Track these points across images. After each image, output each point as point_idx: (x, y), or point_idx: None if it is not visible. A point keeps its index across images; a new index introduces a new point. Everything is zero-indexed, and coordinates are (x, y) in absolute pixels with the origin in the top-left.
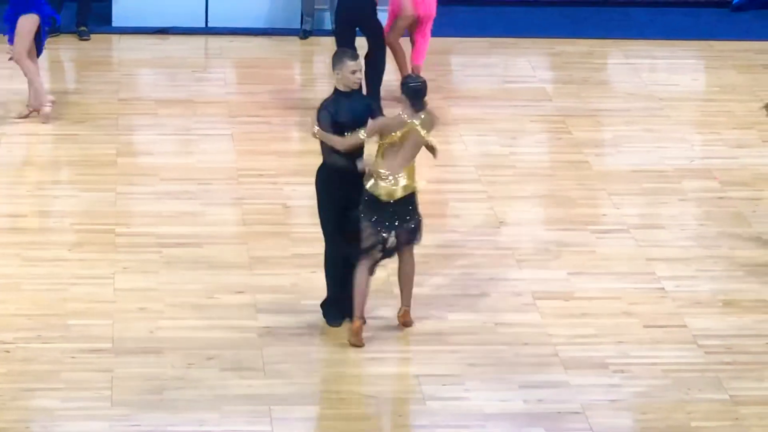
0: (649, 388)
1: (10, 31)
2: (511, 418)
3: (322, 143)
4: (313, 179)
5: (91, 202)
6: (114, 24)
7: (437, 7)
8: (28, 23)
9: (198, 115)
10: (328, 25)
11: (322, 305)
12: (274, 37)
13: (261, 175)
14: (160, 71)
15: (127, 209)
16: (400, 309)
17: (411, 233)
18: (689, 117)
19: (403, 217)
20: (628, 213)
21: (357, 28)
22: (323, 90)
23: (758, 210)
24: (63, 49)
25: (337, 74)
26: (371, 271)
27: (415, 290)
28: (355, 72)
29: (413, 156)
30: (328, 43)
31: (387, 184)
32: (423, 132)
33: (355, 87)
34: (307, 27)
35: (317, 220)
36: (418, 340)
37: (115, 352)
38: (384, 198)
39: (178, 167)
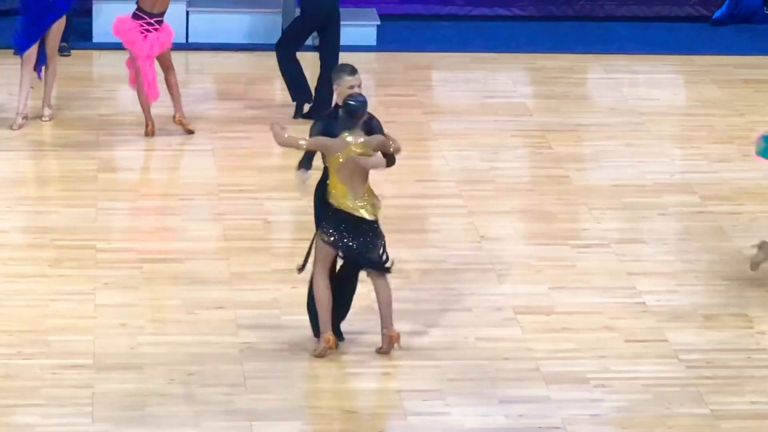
0: (629, 402)
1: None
2: None
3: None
4: (293, 194)
5: (72, 218)
6: (94, 40)
7: None
8: (62, 25)
9: (179, 131)
10: (309, 40)
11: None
12: (255, 53)
13: (242, 190)
14: None
15: (108, 225)
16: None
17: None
18: (669, 131)
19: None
20: (608, 227)
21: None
22: (306, 105)
23: (738, 224)
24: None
25: (336, 89)
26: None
27: (396, 305)
28: (352, 87)
29: (363, 177)
30: (309, 58)
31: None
32: (358, 150)
33: None
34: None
35: (298, 236)
36: (399, 355)
37: (96, 368)
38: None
39: (158, 183)
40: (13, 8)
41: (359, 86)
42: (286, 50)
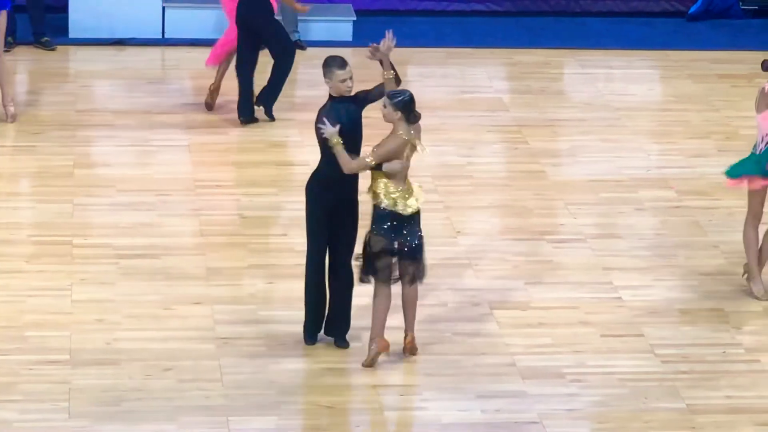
0: (606, 397)
1: None
2: (468, 428)
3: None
4: (270, 190)
5: (49, 213)
6: (71, 35)
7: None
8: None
9: (155, 127)
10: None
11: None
12: None
13: (218, 185)
14: (117, 82)
15: (85, 221)
16: (406, 334)
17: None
18: (646, 127)
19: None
20: (584, 223)
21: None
22: (282, 100)
23: (714, 219)
24: (20, 60)
25: (328, 82)
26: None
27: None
28: (344, 81)
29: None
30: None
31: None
32: (419, 146)
33: (346, 94)
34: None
35: (274, 231)
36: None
37: (73, 364)
38: (403, 211)
39: (135, 178)
40: None
41: (351, 78)
42: (237, 64)
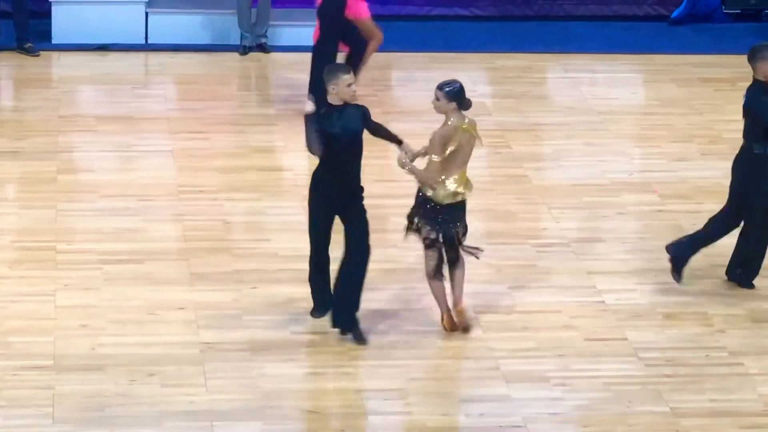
0: (590, 401)
1: None
2: None
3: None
4: (253, 195)
5: (32, 219)
6: (54, 41)
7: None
8: None
9: (138, 132)
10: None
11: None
12: (214, 53)
13: (201, 191)
14: (101, 88)
15: (68, 226)
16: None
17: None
18: (629, 130)
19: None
20: (568, 227)
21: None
22: (265, 105)
23: (698, 223)
24: (3, 66)
25: (333, 89)
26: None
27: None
28: (350, 85)
29: (466, 160)
30: (267, 59)
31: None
32: (476, 133)
33: (353, 100)
34: (246, 43)
35: (257, 236)
36: (360, 355)
37: (57, 370)
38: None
39: (118, 184)
40: None
41: (355, 83)
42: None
